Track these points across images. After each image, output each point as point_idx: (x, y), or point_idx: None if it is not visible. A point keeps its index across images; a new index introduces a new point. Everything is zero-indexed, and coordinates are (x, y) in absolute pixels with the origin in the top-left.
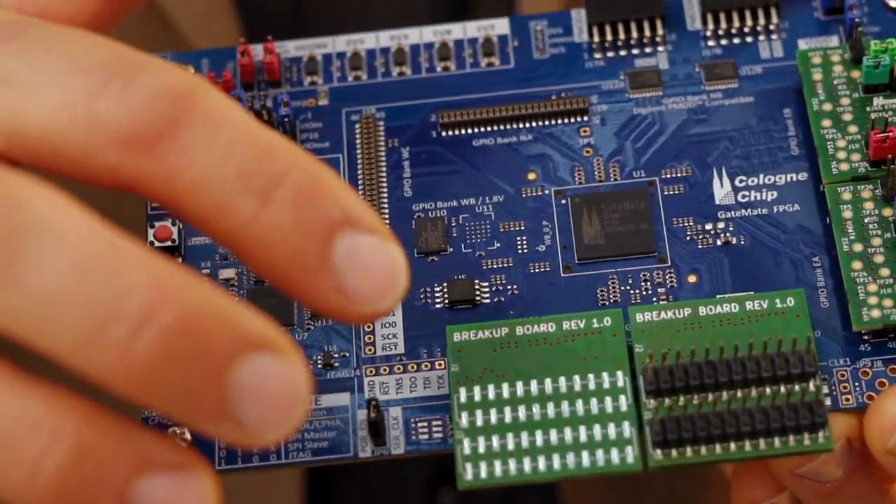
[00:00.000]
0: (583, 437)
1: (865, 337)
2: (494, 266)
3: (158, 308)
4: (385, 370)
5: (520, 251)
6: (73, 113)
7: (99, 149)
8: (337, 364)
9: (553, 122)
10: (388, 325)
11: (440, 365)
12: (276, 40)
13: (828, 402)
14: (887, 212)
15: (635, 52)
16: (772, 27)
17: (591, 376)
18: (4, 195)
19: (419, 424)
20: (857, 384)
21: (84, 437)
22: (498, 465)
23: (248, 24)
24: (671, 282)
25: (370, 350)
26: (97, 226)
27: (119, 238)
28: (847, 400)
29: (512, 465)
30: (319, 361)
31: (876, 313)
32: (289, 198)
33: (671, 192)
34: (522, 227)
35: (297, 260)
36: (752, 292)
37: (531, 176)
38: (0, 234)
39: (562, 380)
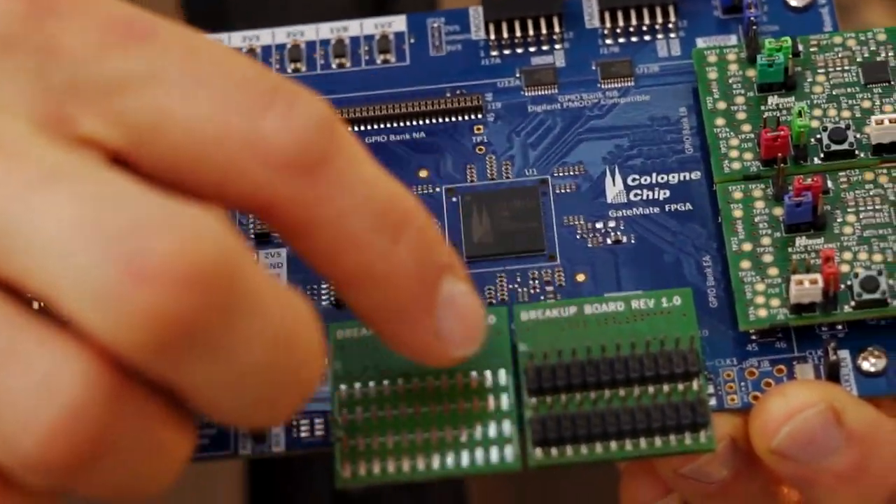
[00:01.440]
0: (463, 436)
1: (753, 337)
2: None
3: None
4: None
5: None
6: (230, 127)
7: (250, 167)
8: None
9: (447, 119)
10: None
11: None
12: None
13: (713, 402)
14: (777, 211)
15: (532, 49)
16: (670, 26)
17: (473, 374)
18: (227, 272)
19: (301, 422)
20: (743, 384)
21: None
22: (377, 463)
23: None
24: (560, 280)
25: None
26: (294, 298)
27: (306, 308)
28: (733, 400)
29: (391, 463)
30: None
31: (763, 313)
32: (415, 239)
33: (563, 191)
34: None
35: (411, 299)
36: (639, 291)
37: (422, 173)
38: (219, 307)
39: (444, 377)
